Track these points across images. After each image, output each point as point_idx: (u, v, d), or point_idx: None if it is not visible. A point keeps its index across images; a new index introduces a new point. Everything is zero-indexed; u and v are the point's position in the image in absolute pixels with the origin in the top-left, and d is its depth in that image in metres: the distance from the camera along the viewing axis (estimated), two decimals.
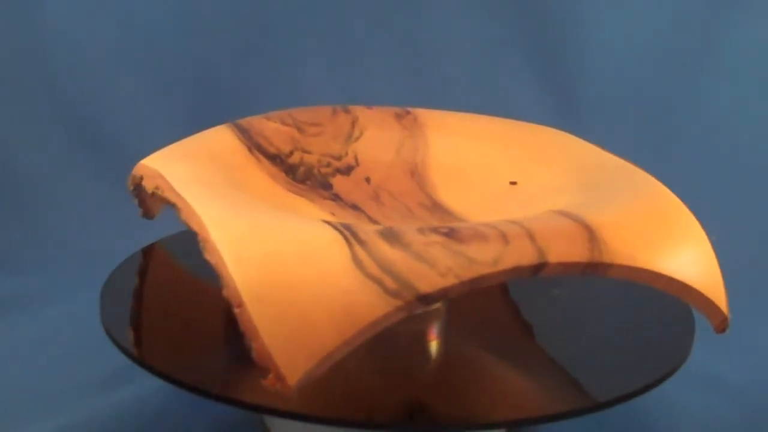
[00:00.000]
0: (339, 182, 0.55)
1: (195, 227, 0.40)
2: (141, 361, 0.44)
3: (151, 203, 0.55)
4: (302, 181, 0.54)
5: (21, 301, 0.71)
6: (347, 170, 0.56)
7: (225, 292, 0.37)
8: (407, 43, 0.90)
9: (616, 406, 0.41)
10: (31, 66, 0.86)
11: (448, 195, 0.55)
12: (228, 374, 0.46)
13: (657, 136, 0.85)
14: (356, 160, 0.57)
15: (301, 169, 0.55)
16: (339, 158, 0.57)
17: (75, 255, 0.77)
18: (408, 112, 0.61)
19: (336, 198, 0.53)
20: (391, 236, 0.38)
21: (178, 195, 0.43)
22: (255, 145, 0.54)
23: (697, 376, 0.59)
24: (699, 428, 0.56)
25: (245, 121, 0.56)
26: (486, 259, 0.37)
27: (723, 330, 0.42)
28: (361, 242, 0.38)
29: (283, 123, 0.57)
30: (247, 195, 0.46)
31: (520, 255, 0.38)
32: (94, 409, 0.55)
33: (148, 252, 0.59)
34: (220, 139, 0.53)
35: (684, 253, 0.41)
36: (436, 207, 0.53)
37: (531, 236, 0.38)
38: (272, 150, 0.54)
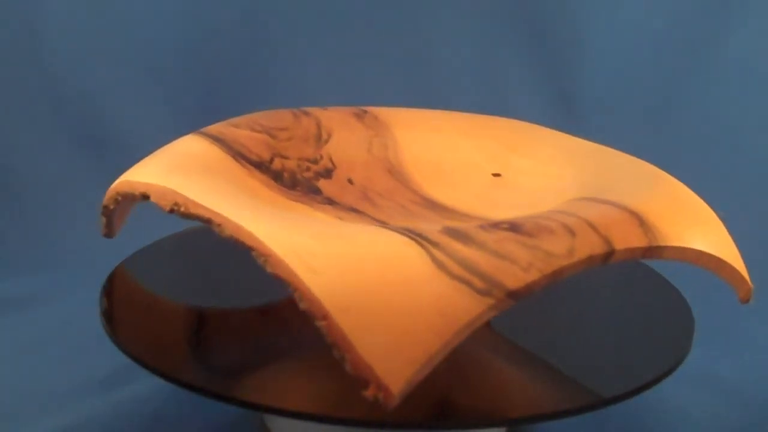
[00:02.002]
0: (325, 186, 0.54)
1: (247, 242, 0.39)
2: (141, 361, 0.43)
3: (116, 222, 0.53)
4: (292, 188, 0.52)
5: (21, 301, 0.71)
6: (327, 173, 0.55)
7: (303, 306, 0.36)
8: (407, 43, 0.90)
9: (615, 404, 0.42)
10: (31, 66, 0.87)
11: (436, 191, 0.55)
12: (228, 373, 0.44)
13: (656, 136, 0.86)
14: (332, 162, 0.56)
15: (286, 175, 0.53)
16: (315, 162, 0.56)
17: (75, 255, 0.76)
18: (365, 111, 0.60)
19: (331, 202, 0.52)
20: (460, 236, 0.38)
21: (211, 210, 0.41)
22: (238, 154, 0.52)
23: (697, 376, 0.60)
24: (698, 428, 0.56)
25: (214, 130, 0.54)
26: (561, 251, 0.38)
27: (748, 300, 0.45)
28: (434, 243, 0.37)
29: (253, 130, 0.55)
30: (271, 206, 0.45)
31: (591, 245, 0.39)
32: (94, 408, 0.55)
33: (147, 252, 0.58)
34: (200, 149, 0.51)
35: (712, 231, 0.44)
36: (431, 204, 0.53)
37: (592, 226, 0.39)
38: (254, 158, 0.52)
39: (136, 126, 0.87)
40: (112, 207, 0.49)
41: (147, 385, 0.57)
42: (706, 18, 0.88)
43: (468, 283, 0.36)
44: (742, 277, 0.44)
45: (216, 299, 0.54)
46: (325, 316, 0.35)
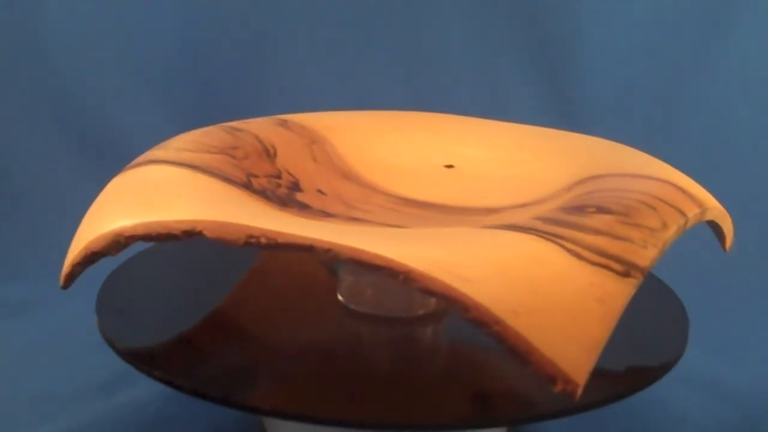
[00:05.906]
0: (305, 199, 0.52)
1: (375, 262, 0.37)
2: (139, 366, 0.43)
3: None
4: (284, 205, 0.50)
5: (21, 304, 0.72)
6: (296, 187, 0.53)
7: (469, 315, 0.36)
8: (407, 45, 0.88)
9: (610, 404, 0.43)
10: (30, 66, 0.88)
11: (404, 189, 0.55)
12: (226, 377, 0.43)
13: (656, 137, 0.85)
14: (291, 175, 0.54)
15: (268, 193, 0.51)
16: (279, 177, 0.53)
17: None
18: (286, 120, 0.59)
19: (328, 215, 0.50)
20: (571, 225, 0.40)
21: (305, 237, 0.39)
22: (226, 179, 0.48)
23: (695, 379, 0.61)
24: (697, 429, 0.57)
25: (173, 156, 0.49)
26: (658, 225, 0.41)
27: (730, 247, 0.50)
28: (558, 237, 0.39)
29: (210, 152, 0.51)
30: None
31: (674, 217, 0.42)
32: (93, 412, 0.57)
33: (144, 256, 0.58)
34: (185, 177, 0.47)
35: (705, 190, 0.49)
36: (415, 203, 0.53)
37: (662, 200, 0.43)
38: (239, 180, 0.49)
39: (136, 126, 0.87)
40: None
41: (146, 389, 0.58)
42: (706, 18, 0.90)
43: (608, 268, 0.38)
44: (731, 227, 0.50)
45: (214, 302, 0.52)
46: (498, 322, 0.36)
